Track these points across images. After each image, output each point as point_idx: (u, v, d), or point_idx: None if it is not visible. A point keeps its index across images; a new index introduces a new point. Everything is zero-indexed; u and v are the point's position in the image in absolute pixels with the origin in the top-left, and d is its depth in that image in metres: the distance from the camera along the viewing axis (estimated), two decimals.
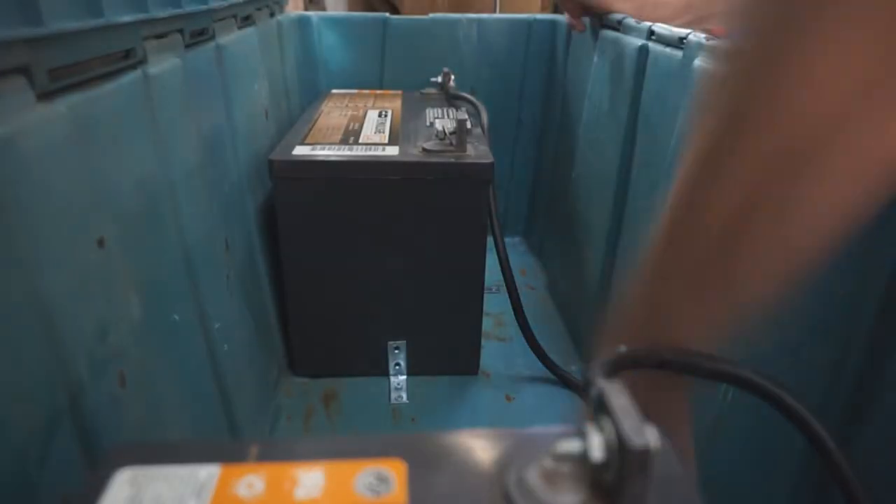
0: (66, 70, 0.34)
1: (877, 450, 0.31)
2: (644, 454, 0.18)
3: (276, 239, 0.70)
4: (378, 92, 1.02)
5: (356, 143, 0.71)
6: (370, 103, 0.92)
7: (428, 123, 0.81)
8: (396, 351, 0.76)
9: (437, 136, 0.71)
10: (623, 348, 0.26)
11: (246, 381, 0.61)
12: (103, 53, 0.39)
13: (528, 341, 0.78)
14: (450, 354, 0.77)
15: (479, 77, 1.07)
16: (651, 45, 0.66)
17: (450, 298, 0.74)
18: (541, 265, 1.05)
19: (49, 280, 0.30)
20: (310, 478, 0.21)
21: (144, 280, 0.40)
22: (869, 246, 0.31)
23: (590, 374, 0.23)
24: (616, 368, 0.25)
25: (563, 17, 1.05)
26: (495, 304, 0.93)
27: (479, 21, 1.06)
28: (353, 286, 0.72)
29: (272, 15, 0.87)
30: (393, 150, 0.69)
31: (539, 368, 0.80)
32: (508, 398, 0.75)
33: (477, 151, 0.69)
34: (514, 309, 0.78)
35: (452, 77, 0.97)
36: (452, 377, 0.78)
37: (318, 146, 0.70)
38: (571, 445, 0.20)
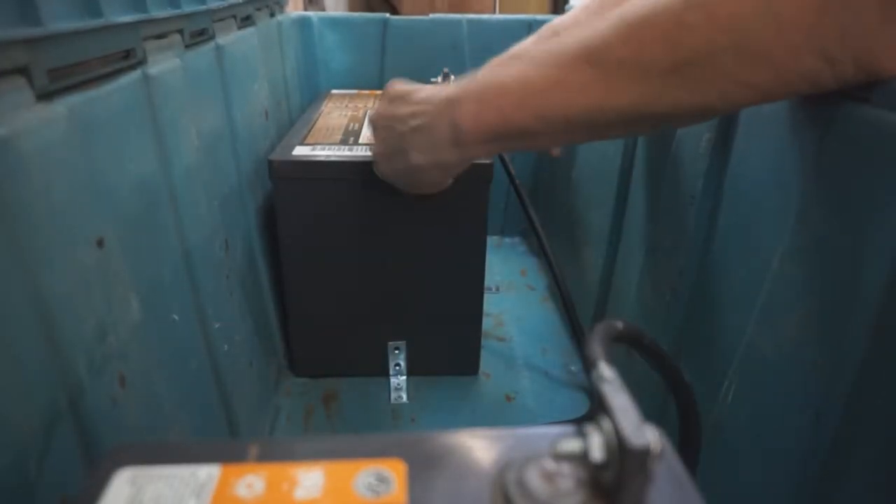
0: (65, 70, 0.34)
1: (877, 450, 0.31)
2: (644, 454, 0.18)
3: (276, 239, 0.70)
4: (378, 92, 1.01)
5: (356, 143, 0.71)
6: (370, 104, 0.92)
7: None
8: (396, 351, 0.76)
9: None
10: (619, 324, 0.29)
11: (246, 381, 0.61)
12: (103, 54, 0.39)
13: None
14: (450, 354, 0.77)
15: None
16: None
17: (450, 298, 0.73)
18: (541, 265, 1.05)
19: (48, 280, 0.30)
20: (310, 478, 0.21)
21: (144, 280, 0.40)
22: (868, 245, 0.31)
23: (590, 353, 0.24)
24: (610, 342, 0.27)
25: None
26: (495, 304, 0.93)
27: (479, 21, 1.06)
28: (353, 286, 0.72)
29: (272, 15, 0.87)
30: None
31: (539, 368, 0.80)
32: (508, 398, 0.75)
33: None
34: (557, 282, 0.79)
35: (452, 77, 0.97)
36: (452, 377, 0.78)
37: (318, 146, 0.70)
38: (571, 445, 0.20)
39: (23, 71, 0.30)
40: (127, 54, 0.42)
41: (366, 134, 0.75)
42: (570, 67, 0.37)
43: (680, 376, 0.35)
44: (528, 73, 0.40)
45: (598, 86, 0.36)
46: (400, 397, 0.74)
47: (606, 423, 0.19)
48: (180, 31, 0.51)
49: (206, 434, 0.49)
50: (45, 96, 0.32)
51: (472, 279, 0.73)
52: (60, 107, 0.33)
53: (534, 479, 0.20)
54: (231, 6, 0.65)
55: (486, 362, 0.80)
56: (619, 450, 0.18)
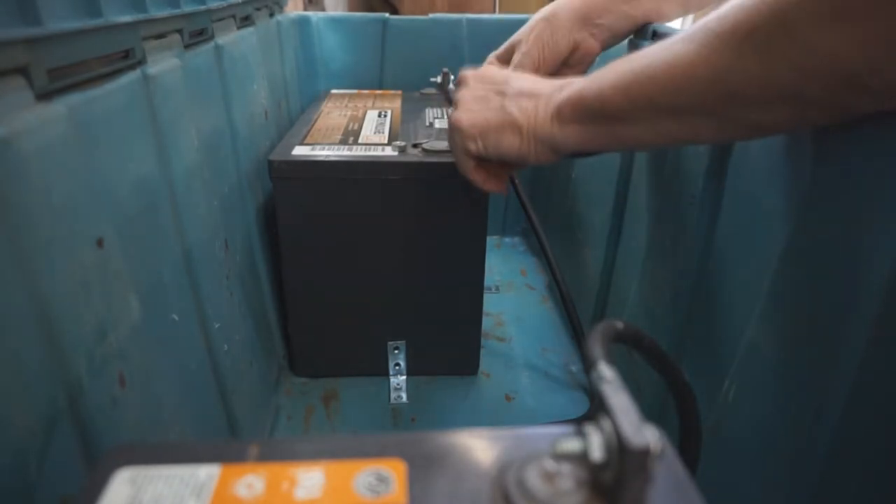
0: (65, 70, 0.34)
1: (877, 450, 0.31)
2: (644, 454, 0.18)
3: (276, 239, 0.70)
4: (378, 92, 1.01)
5: (356, 143, 0.71)
6: (370, 103, 0.92)
7: (428, 123, 0.81)
8: (396, 351, 0.76)
9: (426, 127, 0.72)
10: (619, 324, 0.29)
11: (246, 381, 0.61)
12: (102, 54, 0.39)
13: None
14: (450, 354, 0.77)
15: None
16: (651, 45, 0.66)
17: (450, 298, 0.73)
18: (541, 265, 1.05)
19: (48, 280, 0.30)
20: (310, 478, 0.21)
21: (144, 280, 0.40)
22: (868, 245, 0.31)
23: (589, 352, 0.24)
24: (610, 342, 0.27)
25: None
26: (495, 304, 0.93)
27: (479, 21, 1.06)
28: (353, 286, 0.72)
29: (271, 15, 0.87)
30: (392, 151, 0.69)
31: (539, 368, 0.80)
32: (508, 398, 0.75)
33: None
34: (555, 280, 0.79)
35: (452, 77, 0.97)
36: (452, 377, 0.78)
37: (318, 146, 0.70)
38: (571, 445, 0.20)
39: (23, 71, 0.30)
40: (126, 54, 0.42)
41: (366, 134, 0.75)
42: (670, 44, 0.37)
43: (680, 376, 0.35)
44: (633, 56, 0.40)
45: (690, 55, 0.35)
46: (400, 397, 0.74)
47: (606, 423, 0.19)
48: (179, 31, 0.51)
49: (206, 434, 0.49)
50: (44, 96, 0.32)
51: (472, 279, 0.73)
52: (60, 107, 0.33)
53: (534, 479, 0.20)
54: (230, 6, 0.65)
55: (486, 362, 0.80)
56: (619, 450, 0.18)
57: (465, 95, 0.53)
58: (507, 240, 1.16)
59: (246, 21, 0.73)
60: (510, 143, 0.49)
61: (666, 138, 0.40)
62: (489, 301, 0.84)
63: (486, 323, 0.85)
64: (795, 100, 0.32)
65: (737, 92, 0.33)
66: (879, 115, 0.32)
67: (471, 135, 0.51)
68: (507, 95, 0.50)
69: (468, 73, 0.56)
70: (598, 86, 0.42)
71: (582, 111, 0.44)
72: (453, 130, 0.53)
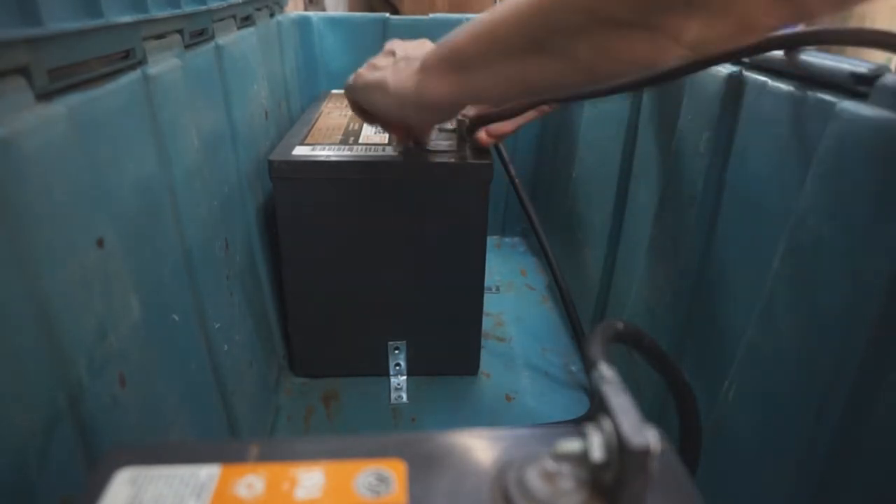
0: (65, 70, 0.34)
1: (877, 450, 0.31)
2: (644, 454, 0.18)
3: (276, 239, 0.70)
4: None
5: (356, 143, 0.71)
6: None
7: None
8: (396, 351, 0.76)
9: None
10: (620, 324, 0.29)
11: (246, 381, 0.61)
12: (103, 54, 0.39)
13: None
14: (450, 354, 0.77)
15: None
16: None
17: (450, 298, 0.73)
18: (541, 265, 1.05)
19: (49, 280, 0.30)
20: (310, 478, 0.21)
21: (144, 280, 0.40)
22: (868, 244, 0.31)
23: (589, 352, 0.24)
24: (609, 342, 0.27)
25: None
26: (495, 304, 0.93)
27: None
28: (353, 286, 0.72)
29: (272, 15, 0.87)
30: (393, 151, 0.69)
31: (539, 368, 0.80)
32: (508, 398, 0.75)
33: (477, 152, 0.69)
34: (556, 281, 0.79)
35: None
36: (452, 377, 0.78)
37: (318, 146, 0.70)
38: (571, 445, 0.20)
39: (23, 71, 0.30)
40: (127, 54, 0.42)
41: (366, 134, 0.75)
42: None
43: (680, 376, 0.35)
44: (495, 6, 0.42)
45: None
46: (400, 397, 0.74)
47: (606, 423, 0.19)
48: (180, 32, 0.51)
49: (206, 434, 0.49)
50: (45, 96, 0.32)
51: (472, 279, 0.73)
52: (60, 107, 0.33)
53: (534, 479, 0.20)
54: (231, 6, 0.65)
55: (486, 362, 0.80)
56: (619, 450, 0.18)
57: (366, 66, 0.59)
58: (507, 240, 1.16)
59: (246, 21, 0.73)
60: (379, 101, 0.54)
61: (508, 85, 0.41)
62: (489, 301, 0.84)
63: (486, 323, 0.85)
64: (609, 23, 0.31)
65: (556, 21, 0.34)
66: (880, 116, 0.32)
67: (349, 89, 0.59)
68: (395, 60, 0.54)
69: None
70: (455, 35, 0.44)
71: (438, 61, 0.46)
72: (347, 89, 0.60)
